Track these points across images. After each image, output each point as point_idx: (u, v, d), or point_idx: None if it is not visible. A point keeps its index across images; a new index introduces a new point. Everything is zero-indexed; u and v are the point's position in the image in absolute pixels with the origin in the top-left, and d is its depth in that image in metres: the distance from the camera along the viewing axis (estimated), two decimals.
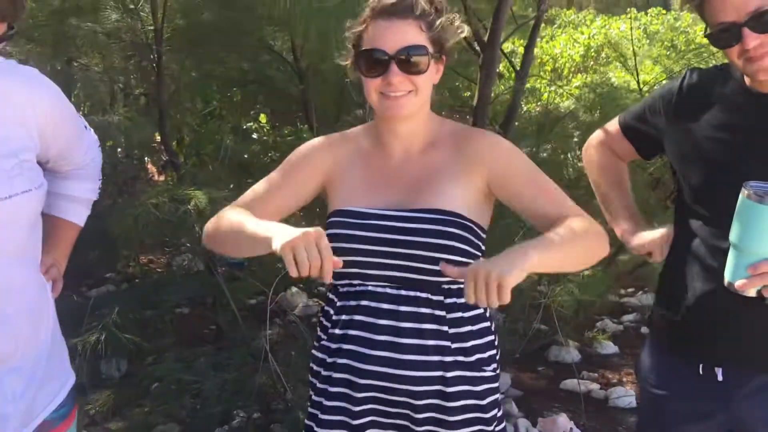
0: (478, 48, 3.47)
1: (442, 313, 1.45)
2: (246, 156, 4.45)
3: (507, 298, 1.20)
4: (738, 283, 1.38)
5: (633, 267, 3.41)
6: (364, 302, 1.46)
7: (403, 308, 1.44)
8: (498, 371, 1.56)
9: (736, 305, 1.42)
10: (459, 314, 1.47)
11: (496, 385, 1.54)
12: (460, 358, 1.45)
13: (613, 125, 1.84)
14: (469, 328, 1.47)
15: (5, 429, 1.38)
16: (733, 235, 1.40)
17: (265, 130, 5.54)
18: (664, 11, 12.61)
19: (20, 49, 3.55)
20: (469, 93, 5.68)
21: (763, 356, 1.55)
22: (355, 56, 1.47)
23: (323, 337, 1.55)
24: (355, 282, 1.49)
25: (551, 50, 10.41)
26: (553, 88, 8.28)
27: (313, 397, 1.55)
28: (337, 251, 1.38)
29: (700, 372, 1.60)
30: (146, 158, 5.19)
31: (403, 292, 1.44)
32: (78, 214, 1.69)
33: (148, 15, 3.39)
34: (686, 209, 1.66)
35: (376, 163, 1.55)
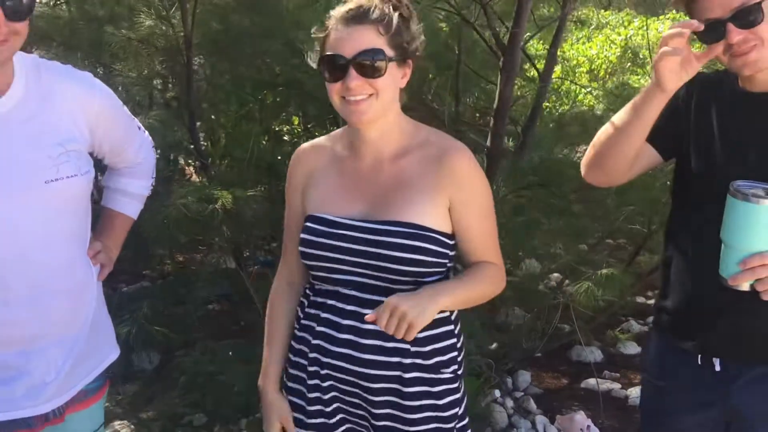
0: (499, 51, 3.52)
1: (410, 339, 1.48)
2: (279, 158, 4.56)
3: (411, 338, 1.37)
4: (730, 278, 1.44)
5: (652, 268, 3.41)
6: (330, 302, 1.55)
7: (366, 311, 1.47)
8: (459, 373, 1.60)
9: (732, 297, 1.46)
10: None
11: (455, 385, 1.58)
12: (419, 361, 1.52)
13: None
14: (429, 332, 1.52)
15: (44, 395, 1.53)
16: (723, 232, 1.45)
17: (296, 132, 5.65)
18: None
19: (57, 56, 3.70)
20: (485, 96, 5.71)
21: (759, 347, 1.59)
22: (318, 62, 1.50)
23: (296, 326, 1.65)
24: (326, 283, 1.57)
25: (587, 51, 10.35)
26: (588, 90, 8.26)
27: (288, 383, 1.66)
28: (308, 256, 1.55)
29: (699, 362, 1.65)
30: (181, 159, 5.33)
31: (367, 296, 1.51)
32: (130, 207, 1.85)
33: (179, 21, 3.51)
34: (684, 203, 1.71)
35: (348, 169, 1.58)
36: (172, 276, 5.08)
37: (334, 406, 1.59)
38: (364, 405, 1.55)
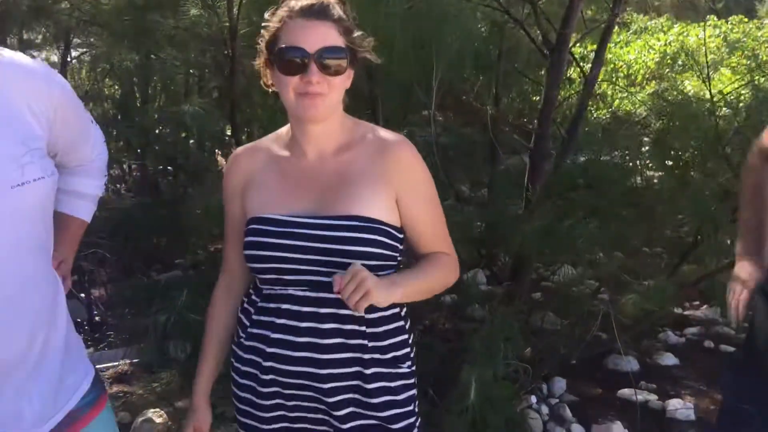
0: (546, 51, 3.47)
1: (361, 313, 1.46)
2: None
3: (361, 309, 1.35)
4: None
5: (696, 279, 3.34)
6: (285, 306, 1.50)
7: (323, 310, 1.47)
8: (413, 368, 1.59)
9: None
10: (377, 314, 1.51)
11: (411, 381, 1.58)
12: (377, 356, 1.51)
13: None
14: (385, 327, 1.53)
15: (20, 428, 1.36)
16: None
17: None
18: (746, 19, 12.21)
19: (103, 41, 3.72)
20: (537, 97, 5.66)
21: None
22: (273, 54, 1.44)
23: (242, 335, 1.58)
24: (276, 286, 1.52)
25: (625, 56, 10.23)
26: (625, 95, 8.16)
27: (238, 392, 1.60)
28: (255, 258, 1.50)
29: None
30: (216, 150, 5.35)
31: (323, 295, 1.47)
32: (85, 210, 1.68)
33: (224, 11, 3.50)
34: None
35: (290, 167, 1.55)
36: (204, 267, 5.11)
37: (296, 414, 1.56)
38: (326, 408, 1.51)
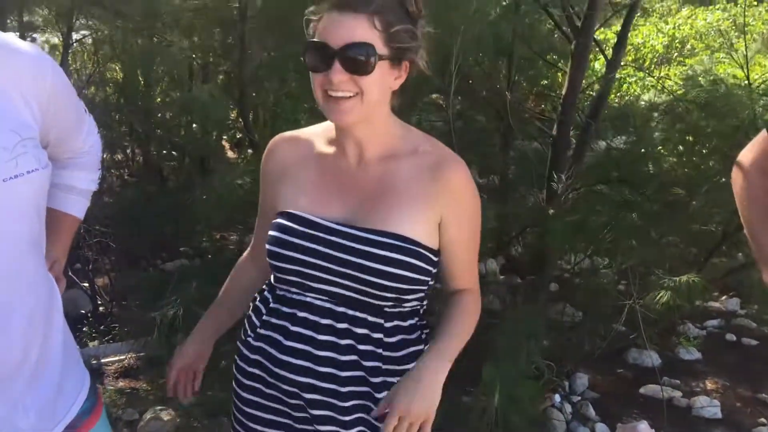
0: (570, 34, 3.33)
1: (379, 335, 1.40)
2: None
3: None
4: None
5: (725, 272, 3.22)
6: (302, 314, 1.40)
7: (340, 325, 1.38)
8: None
9: None
10: (398, 337, 1.42)
11: None
12: (389, 379, 1.41)
13: (762, 139, 1.62)
14: (405, 351, 1.44)
15: None
16: None
17: None
18: (755, 2, 12.03)
19: (108, 22, 3.57)
20: (545, 81, 5.50)
21: None
22: (303, 48, 1.32)
23: (251, 334, 1.48)
24: (293, 290, 1.42)
25: (633, 39, 10.11)
26: (633, 79, 7.98)
27: (241, 392, 1.50)
28: (279, 257, 1.39)
29: None
30: (223, 137, 5.21)
31: (341, 309, 1.38)
32: (78, 207, 1.58)
33: None
34: None
35: (330, 165, 1.43)
36: (209, 255, 4.99)
37: (302, 427, 1.46)
38: (337, 429, 1.41)
